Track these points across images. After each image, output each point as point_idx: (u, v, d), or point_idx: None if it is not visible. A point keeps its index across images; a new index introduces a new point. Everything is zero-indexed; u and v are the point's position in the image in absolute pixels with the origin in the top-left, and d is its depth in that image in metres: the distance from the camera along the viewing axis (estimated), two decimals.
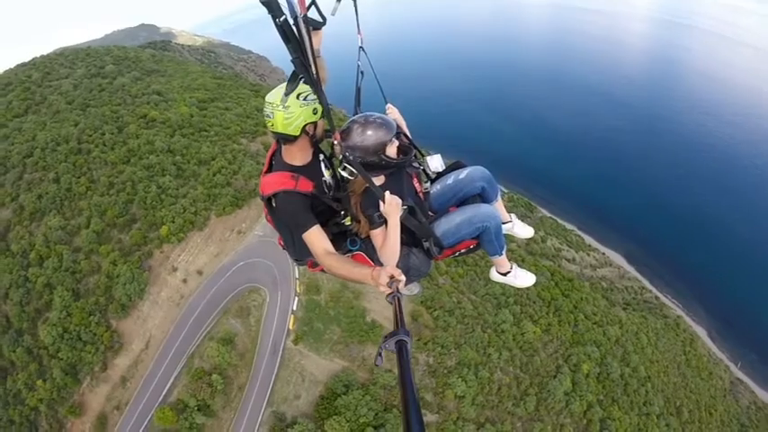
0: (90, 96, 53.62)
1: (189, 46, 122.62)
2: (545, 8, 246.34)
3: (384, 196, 3.20)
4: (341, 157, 3.20)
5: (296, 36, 2.15)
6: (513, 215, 4.92)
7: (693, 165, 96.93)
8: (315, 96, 3.05)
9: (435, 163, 4.32)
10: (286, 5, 2.05)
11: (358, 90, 4.40)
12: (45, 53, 73.51)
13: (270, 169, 3.57)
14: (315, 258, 3.30)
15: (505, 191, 76.69)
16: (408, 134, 4.22)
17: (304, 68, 2.36)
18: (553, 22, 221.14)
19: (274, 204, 3.36)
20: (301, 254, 3.62)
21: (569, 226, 76.40)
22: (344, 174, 3.30)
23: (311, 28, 2.85)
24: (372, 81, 4.53)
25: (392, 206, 3.20)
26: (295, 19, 2.09)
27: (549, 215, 76.68)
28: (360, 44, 4.41)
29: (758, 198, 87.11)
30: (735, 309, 68.48)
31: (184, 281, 38.03)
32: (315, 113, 3.14)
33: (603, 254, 72.89)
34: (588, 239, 75.22)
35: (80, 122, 47.65)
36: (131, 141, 45.41)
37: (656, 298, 69.92)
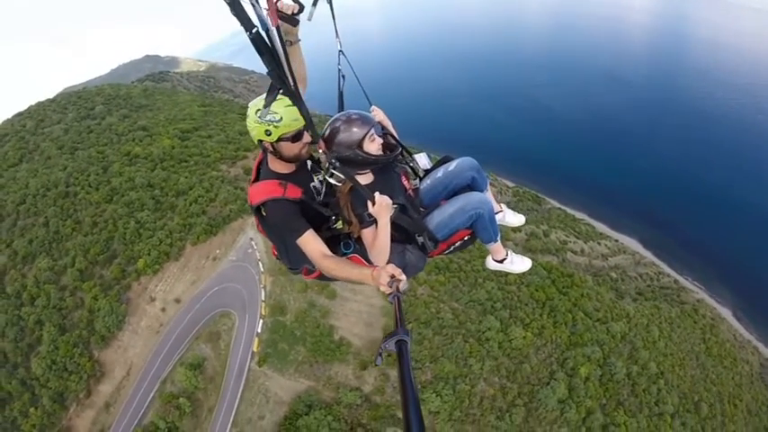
0: (79, 139, 59.99)
1: (189, 73, 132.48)
2: None
3: (373, 197, 3.36)
4: (327, 164, 3.40)
5: (269, 48, 2.21)
6: (503, 204, 5.18)
7: (706, 137, 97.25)
8: (275, 116, 3.19)
9: (423, 161, 4.57)
10: (257, 18, 2.11)
11: (341, 94, 4.62)
12: (51, 96, 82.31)
13: (258, 178, 3.73)
14: (312, 263, 3.49)
15: (511, 185, 78.49)
16: (395, 134, 4.43)
17: (280, 80, 2.43)
18: (551, 4, 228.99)
19: (264, 213, 3.52)
20: (296, 262, 3.81)
21: (579, 215, 76.94)
22: (332, 181, 3.47)
23: (289, 26, 3.40)
24: (356, 85, 4.74)
25: (382, 206, 3.36)
26: (267, 31, 2.15)
27: (558, 206, 77.07)
28: (339, 48, 4.68)
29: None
30: (761, 285, 67.34)
31: (163, 309, 42.13)
32: (268, 134, 3.26)
33: (617, 241, 72.62)
34: (601, 227, 75.41)
35: (68, 166, 53.45)
36: (114, 180, 50.52)
37: (675, 282, 69.00)
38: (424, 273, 45.57)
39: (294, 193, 3.44)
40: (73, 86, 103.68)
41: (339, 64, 4.65)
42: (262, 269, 42.05)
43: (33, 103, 77.32)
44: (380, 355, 2.10)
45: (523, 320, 44.80)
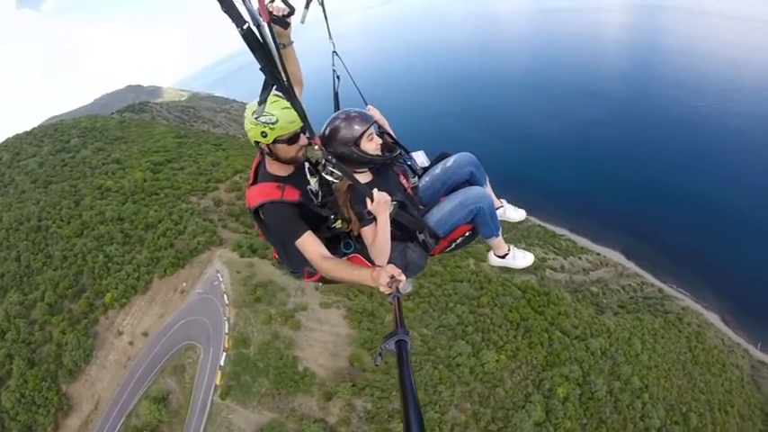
0: (53, 173, 62.21)
1: (169, 103, 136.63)
2: (521, 14, 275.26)
3: (371, 194, 3.40)
4: (323, 161, 3.42)
5: (261, 44, 2.22)
6: (503, 200, 5.31)
7: (684, 144, 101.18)
8: (270, 118, 3.25)
9: (420, 158, 4.69)
10: (249, 14, 2.12)
11: (336, 95, 4.73)
12: (36, 125, 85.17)
13: (256, 181, 3.80)
14: (311, 265, 3.55)
15: None
16: (392, 133, 4.53)
17: (273, 77, 2.44)
18: (530, 27, 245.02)
19: (262, 216, 3.59)
20: (297, 265, 3.90)
21: (560, 231, 79.23)
22: (330, 178, 3.52)
23: (281, 26, 3.53)
24: (352, 87, 4.90)
25: (380, 203, 3.40)
26: (258, 27, 2.16)
27: (538, 223, 78.51)
28: (333, 49, 4.78)
29: (754, 166, 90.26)
30: (747, 286, 68.95)
31: (131, 343, 43.28)
32: (264, 136, 3.34)
33: (599, 254, 74.35)
34: (582, 242, 77.51)
35: (41, 200, 55.44)
36: (85, 213, 52.36)
37: (660, 291, 70.50)
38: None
39: (292, 195, 3.54)
40: (56, 116, 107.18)
41: (333, 65, 4.76)
42: (226, 301, 43.05)
43: (18, 132, 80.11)
44: (380, 355, 2.20)
45: (497, 343, 45.23)
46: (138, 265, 47.12)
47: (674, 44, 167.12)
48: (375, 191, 3.41)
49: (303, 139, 3.51)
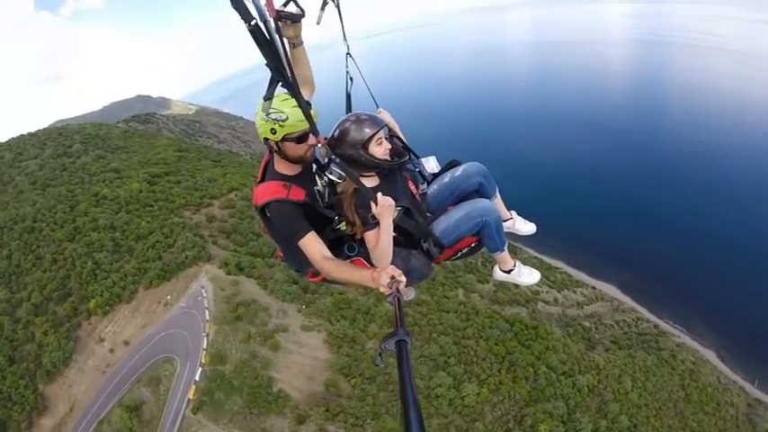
0: (53, 176, 64.46)
1: (176, 116, 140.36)
2: (525, 47, 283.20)
3: (376, 198, 3.47)
4: (326, 160, 3.52)
5: (268, 40, 2.30)
6: (513, 212, 5.33)
7: (685, 179, 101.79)
8: (281, 115, 3.36)
9: (431, 164, 4.70)
10: (256, 10, 2.18)
11: (348, 96, 4.76)
12: (44, 126, 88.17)
13: (263, 179, 3.90)
14: (313, 266, 3.64)
15: None
16: (402, 137, 4.63)
17: (279, 72, 2.52)
18: (533, 60, 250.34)
19: (268, 214, 3.69)
20: (301, 264, 4.01)
21: (557, 263, 79.41)
22: (333, 177, 3.61)
23: (289, 22, 3.67)
24: (363, 90, 5.00)
25: (384, 207, 3.47)
26: (265, 23, 2.23)
27: (534, 255, 78.66)
28: (347, 51, 4.84)
29: (754, 202, 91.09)
30: (744, 323, 68.62)
31: (111, 350, 44.52)
32: (273, 133, 3.44)
33: (594, 288, 74.54)
34: (578, 275, 77.62)
35: (38, 202, 57.46)
36: (79, 219, 54.12)
37: (655, 326, 70.39)
38: (376, 326, 47.50)
39: (298, 195, 3.62)
40: (63, 120, 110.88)
41: (347, 67, 4.85)
42: (207, 317, 44.16)
43: (23, 133, 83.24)
44: (380, 355, 2.24)
45: (479, 376, 45.39)
46: (125, 275, 48.60)
47: (678, 79, 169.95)
48: (380, 195, 3.50)
49: (312, 139, 3.63)
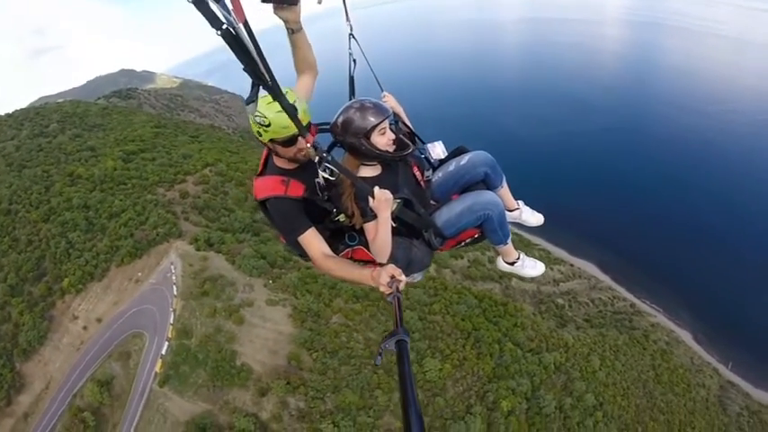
0: (29, 157, 67.03)
1: (157, 90, 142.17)
2: (520, 23, 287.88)
3: (372, 191, 3.52)
4: (316, 159, 3.42)
5: (241, 44, 2.22)
6: (520, 202, 5.38)
7: (669, 163, 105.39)
8: (264, 120, 3.36)
9: (437, 150, 4.78)
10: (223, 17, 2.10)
11: (351, 79, 4.91)
12: (25, 105, 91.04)
13: (264, 171, 3.98)
14: (313, 262, 3.75)
15: None
16: (408, 123, 4.79)
17: (256, 77, 2.46)
18: (527, 37, 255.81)
19: (269, 212, 3.84)
20: (304, 251, 3.96)
21: (536, 240, 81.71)
22: (325, 175, 3.56)
23: (284, 5, 3.66)
24: (363, 68, 4.99)
25: (381, 201, 3.53)
26: (235, 29, 2.14)
27: (514, 231, 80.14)
28: (350, 32, 4.91)
29: (736, 188, 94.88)
30: (721, 305, 71.82)
31: (85, 328, 47.81)
32: (260, 135, 3.51)
33: (572, 266, 76.70)
34: (558, 252, 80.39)
35: (13, 184, 60.20)
36: (54, 200, 56.87)
37: (632, 306, 73.02)
38: (342, 300, 50.15)
39: (296, 190, 3.68)
40: (46, 97, 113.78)
41: (350, 48, 4.87)
42: (175, 293, 46.81)
43: (2, 113, 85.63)
44: (380, 354, 2.31)
45: (443, 351, 47.38)
46: (97, 253, 51.48)
47: (671, 62, 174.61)
48: (376, 189, 3.53)
49: (302, 142, 3.66)
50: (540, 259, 5.26)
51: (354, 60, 4.98)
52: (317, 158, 3.42)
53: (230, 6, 2.15)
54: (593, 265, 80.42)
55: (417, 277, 5.23)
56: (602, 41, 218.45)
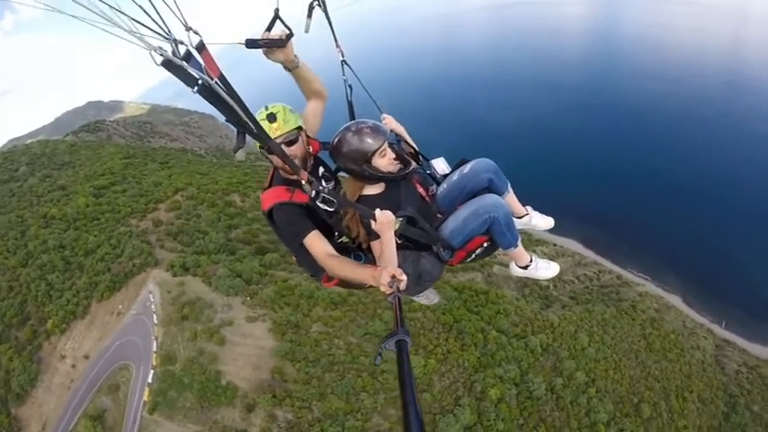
0: (2, 203, 69.69)
1: (126, 119, 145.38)
2: (482, 11, 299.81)
3: (374, 215, 3.72)
4: (313, 194, 3.70)
5: (220, 99, 2.35)
6: (528, 207, 5.78)
7: (643, 132, 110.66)
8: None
9: (441, 165, 5.09)
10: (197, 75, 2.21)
11: (350, 104, 5.20)
12: None
13: (270, 185, 4.31)
14: (318, 263, 4.02)
15: None
16: (411, 142, 5.08)
17: (241, 127, 2.65)
18: (492, 24, 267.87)
19: (275, 220, 4.13)
20: (315, 268, 4.33)
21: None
22: (325, 207, 3.83)
23: (275, 48, 3.99)
24: (363, 93, 5.38)
25: (383, 224, 3.73)
26: (209, 85, 2.25)
27: None
28: (341, 58, 5.24)
29: (711, 151, 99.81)
30: (708, 267, 75.34)
31: (73, 366, 50.29)
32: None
33: (555, 245, 79.24)
34: (539, 233, 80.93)
35: None
36: (30, 243, 59.45)
37: (618, 277, 75.33)
38: (321, 308, 51.98)
39: (301, 198, 4.00)
40: (16, 139, 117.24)
41: (344, 75, 5.15)
42: (155, 321, 49.24)
43: None
44: (380, 354, 2.46)
45: (426, 347, 48.63)
46: (77, 291, 54.01)
47: (635, 33, 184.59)
48: (377, 212, 3.73)
49: (288, 151, 4.01)
50: (522, 242, 5.26)
51: (350, 86, 5.37)
52: (313, 193, 3.73)
53: (202, 63, 2.30)
54: (576, 241, 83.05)
55: (434, 299, 5.94)
56: (564, 21, 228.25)
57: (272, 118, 4.02)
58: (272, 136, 3.89)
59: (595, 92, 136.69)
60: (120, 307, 53.09)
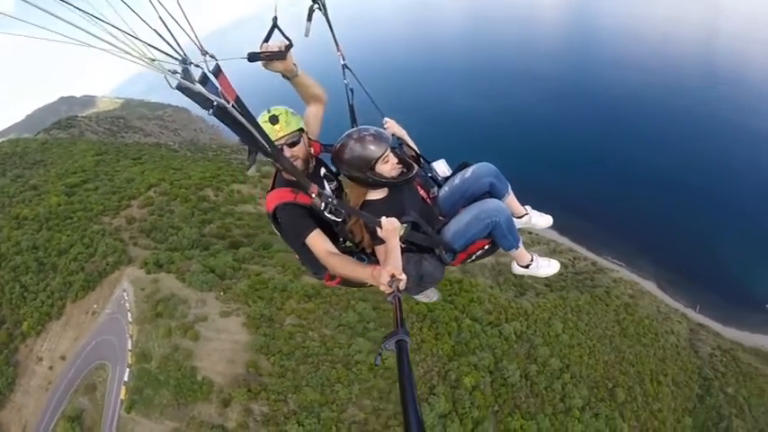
0: None
1: (99, 114, 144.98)
2: (458, 1, 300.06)
3: (380, 223, 3.82)
4: (322, 206, 3.79)
5: (235, 120, 2.43)
6: (527, 207, 5.98)
7: (619, 121, 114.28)
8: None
9: (442, 168, 5.23)
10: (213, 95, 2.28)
11: (351, 108, 5.33)
12: None
13: (274, 187, 4.46)
14: (320, 261, 4.15)
15: None
16: (413, 145, 5.22)
17: (256, 147, 2.79)
18: (468, 12, 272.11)
19: (279, 220, 4.26)
20: (318, 267, 4.49)
21: (516, 223, 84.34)
22: (333, 218, 3.95)
23: (274, 60, 4.06)
24: (365, 97, 5.54)
25: (389, 231, 3.81)
26: (224, 107, 2.34)
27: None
28: (342, 62, 5.36)
29: (687, 138, 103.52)
30: (684, 251, 78.08)
31: (50, 368, 51.10)
32: None
33: (530, 233, 79.71)
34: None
35: None
36: (3, 245, 59.81)
37: (593, 264, 77.54)
38: (294, 301, 52.53)
39: (305, 199, 4.10)
40: None
41: (345, 78, 5.33)
42: (130, 319, 50.05)
43: None
44: (380, 354, 2.62)
45: None
46: (52, 292, 54.70)
47: (612, 23, 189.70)
48: (383, 219, 3.85)
49: (290, 152, 4.29)
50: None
51: (351, 90, 5.49)
52: (323, 205, 3.81)
53: (218, 86, 2.38)
54: (552, 229, 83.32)
55: (434, 297, 6.05)
56: (542, 11, 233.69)
57: (274, 120, 4.23)
58: (275, 138, 4.09)
59: (573, 81, 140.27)
60: (95, 306, 53.82)
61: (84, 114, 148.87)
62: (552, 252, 79.10)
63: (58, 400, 48.59)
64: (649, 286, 75.79)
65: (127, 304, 51.92)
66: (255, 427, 43.26)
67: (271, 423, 43.38)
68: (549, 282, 69.97)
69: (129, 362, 47.83)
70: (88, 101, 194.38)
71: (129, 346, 48.72)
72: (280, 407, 44.15)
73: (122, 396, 46.05)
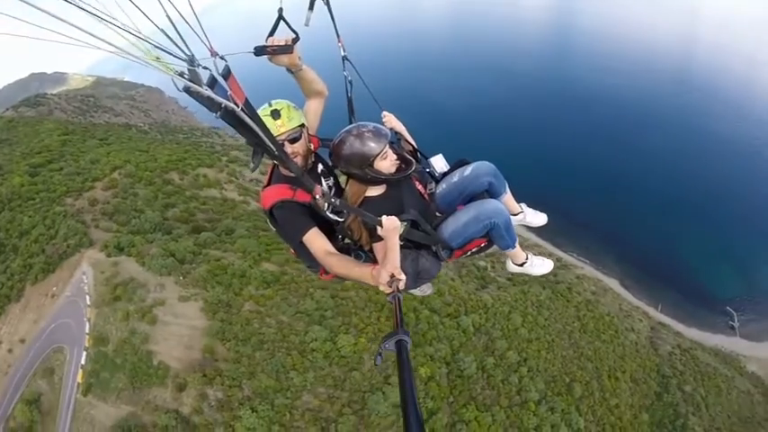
0: None
1: (68, 93, 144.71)
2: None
3: (380, 222, 3.89)
4: (326, 207, 4.00)
5: (242, 123, 2.44)
6: (523, 204, 6.16)
7: (591, 122, 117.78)
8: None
9: (439, 163, 5.35)
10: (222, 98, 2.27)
11: (349, 100, 5.43)
12: None
13: (270, 183, 4.51)
14: (317, 260, 4.19)
15: None
16: (410, 140, 5.32)
17: (263, 150, 2.82)
18: (448, 9, 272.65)
19: (276, 216, 4.31)
20: (313, 261, 4.49)
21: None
22: (335, 217, 4.17)
23: (280, 54, 4.08)
24: (364, 90, 5.59)
25: (389, 230, 3.89)
26: (233, 110, 2.34)
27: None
28: (342, 53, 5.40)
29: (655, 141, 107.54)
30: (648, 250, 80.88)
31: (10, 351, 52.48)
32: None
33: None
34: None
35: None
36: None
37: (558, 260, 78.22)
38: (253, 287, 53.63)
39: (304, 197, 4.17)
40: None
41: (345, 70, 5.44)
42: (89, 302, 51.15)
43: None
44: (380, 354, 2.64)
45: (357, 326, 51.17)
46: (11, 274, 55.90)
47: (591, 26, 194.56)
48: (384, 218, 3.93)
49: (291, 148, 4.36)
50: None
51: (350, 82, 5.55)
52: (326, 205, 4.01)
53: (227, 89, 2.41)
54: (520, 225, 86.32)
55: (428, 291, 6.10)
56: (522, 9, 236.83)
57: (276, 115, 4.28)
58: (276, 133, 4.13)
59: (548, 80, 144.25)
60: (55, 289, 54.84)
61: (54, 92, 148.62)
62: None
63: (17, 383, 49.85)
64: (613, 284, 78.04)
65: (86, 287, 52.83)
66: (210, 413, 44.61)
67: (225, 408, 44.74)
68: (511, 276, 71.05)
69: (87, 345, 48.88)
70: (59, 78, 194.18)
71: (87, 330, 49.77)
72: (234, 392, 45.45)
73: (79, 379, 47.21)
